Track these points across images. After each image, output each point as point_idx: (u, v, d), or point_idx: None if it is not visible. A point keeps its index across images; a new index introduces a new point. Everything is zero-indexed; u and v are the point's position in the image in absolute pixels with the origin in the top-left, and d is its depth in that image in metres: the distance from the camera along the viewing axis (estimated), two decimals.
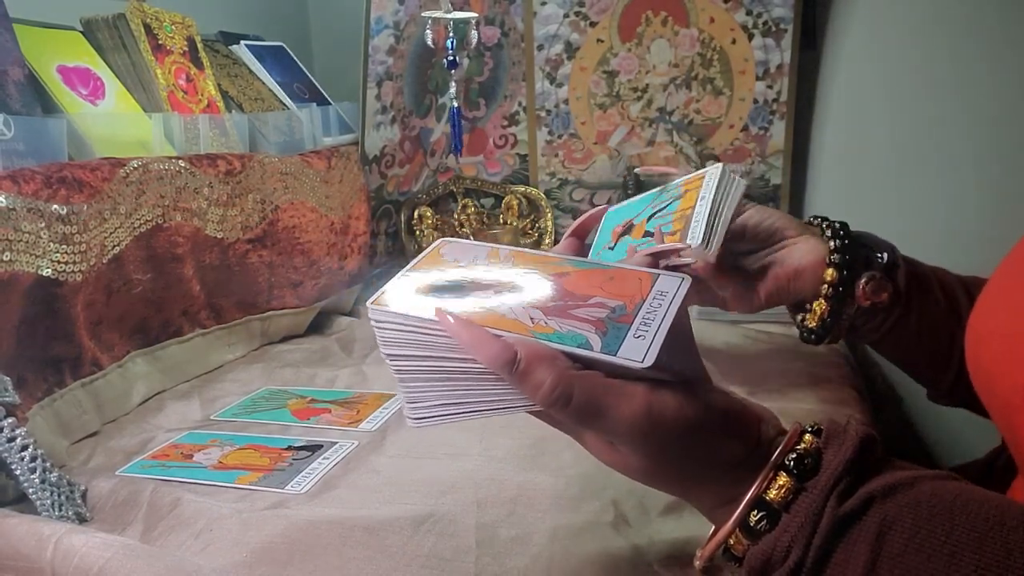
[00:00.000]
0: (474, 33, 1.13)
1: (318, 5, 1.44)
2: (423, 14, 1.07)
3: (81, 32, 0.81)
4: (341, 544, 0.46)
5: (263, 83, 1.06)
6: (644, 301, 0.39)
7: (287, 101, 1.05)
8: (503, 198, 1.32)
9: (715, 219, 0.57)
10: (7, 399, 0.53)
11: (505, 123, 1.33)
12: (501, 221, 1.32)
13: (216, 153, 0.83)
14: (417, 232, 1.20)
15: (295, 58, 1.16)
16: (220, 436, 0.66)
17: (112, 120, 0.76)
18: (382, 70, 1.07)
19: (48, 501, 0.51)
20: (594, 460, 0.55)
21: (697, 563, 0.39)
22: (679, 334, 0.38)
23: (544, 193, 1.32)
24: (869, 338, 0.64)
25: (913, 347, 0.62)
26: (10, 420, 0.52)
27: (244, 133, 0.92)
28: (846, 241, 0.62)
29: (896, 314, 0.60)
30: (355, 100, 1.06)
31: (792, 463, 0.36)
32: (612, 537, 0.46)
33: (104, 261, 0.67)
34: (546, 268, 0.43)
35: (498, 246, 0.45)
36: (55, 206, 0.61)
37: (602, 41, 1.24)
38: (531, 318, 0.39)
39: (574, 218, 1.31)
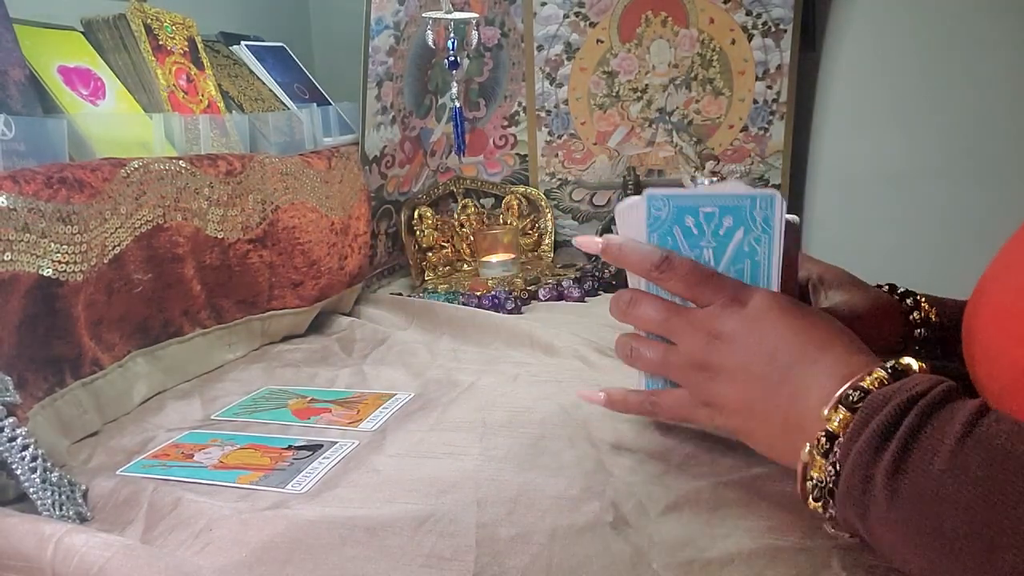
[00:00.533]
0: (474, 33, 1.14)
1: (318, 5, 1.44)
2: (424, 15, 1.07)
3: (82, 32, 0.81)
4: (341, 544, 0.46)
5: (263, 83, 1.06)
6: None
7: (287, 101, 1.06)
8: (503, 198, 1.33)
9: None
10: (8, 399, 0.53)
11: (505, 123, 1.33)
12: (501, 221, 1.32)
13: (217, 153, 0.83)
14: (417, 232, 1.21)
15: (295, 58, 1.16)
16: (221, 436, 0.66)
17: (113, 120, 0.76)
18: (382, 70, 1.07)
19: (49, 501, 0.51)
20: (594, 460, 0.56)
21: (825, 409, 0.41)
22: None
23: (544, 193, 1.32)
24: None
25: None
26: (11, 420, 0.52)
27: (244, 133, 0.92)
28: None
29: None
30: (355, 100, 1.06)
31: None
32: (612, 537, 0.46)
33: (105, 261, 0.67)
34: None
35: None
36: (56, 206, 0.61)
37: (602, 41, 1.24)
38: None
39: (574, 218, 1.32)
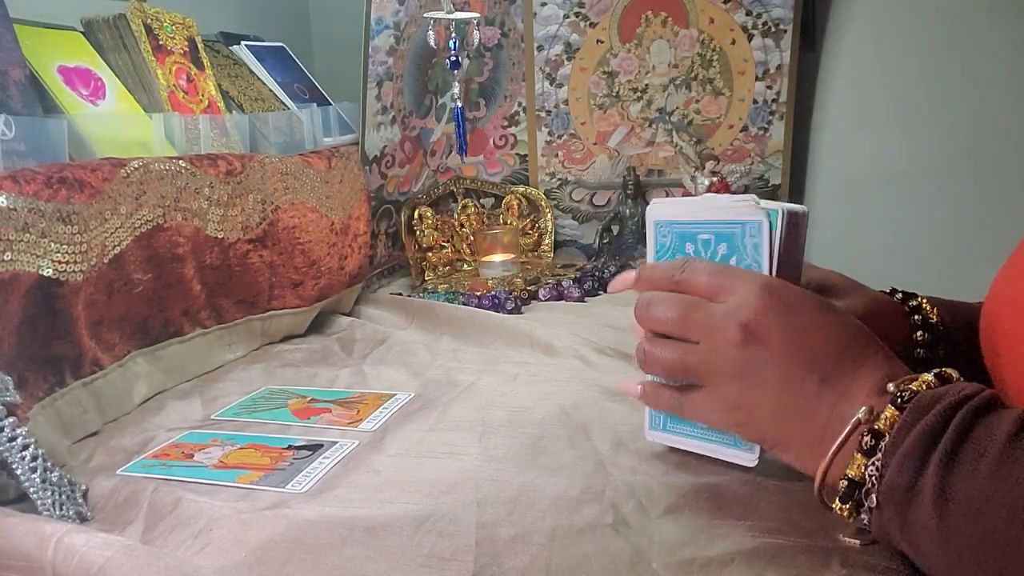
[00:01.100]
0: (475, 33, 1.14)
1: (318, 5, 1.44)
2: (425, 15, 1.07)
3: (82, 32, 0.81)
4: (341, 544, 0.46)
5: (263, 83, 1.06)
6: None
7: (287, 101, 1.06)
8: (503, 198, 1.33)
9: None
10: (8, 399, 0.53)
11: (505, 123, 1.33)
12: (501, 221, 1.32)
13: (217, 153, 0.83)
14: (417, 232, 1.21)
15: (295, 58, 1.16)
16: (221, 435, 0.66)
17: (113, 120, 0.76)
18: (382, 70, 1.07)
19: (49, 500, 0.51)
20: (594, 460, 0.56)
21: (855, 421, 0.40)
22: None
23: (544, 193, 1.32)
24: None
25: None
26: (11, 420, 0.52)
27: (245, 133, 0.92)
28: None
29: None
30: (355, 100, 1.06)
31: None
32: (612, 537, 0.46)
33: (105, 261, 0.67)
34: None
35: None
36: (56, 206, 0.61)
37: (602, 42, 1.25)
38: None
39: (574, 217, 1.32)
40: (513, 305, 1.01)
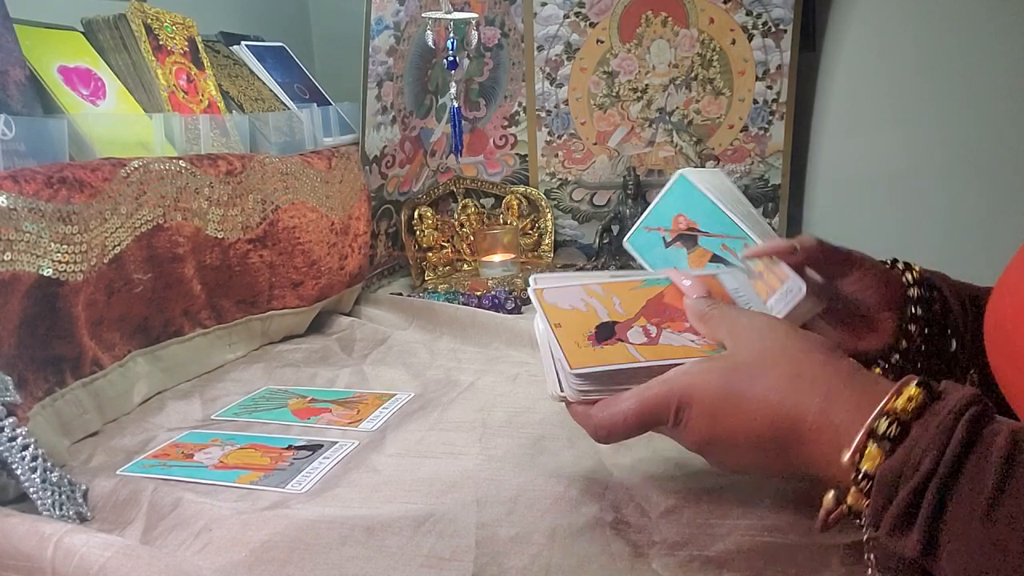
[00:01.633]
0: (474, 33, 1.14)
1: (318, 6, 1.44)
2: (424, 15, 1.07)
3: (82, 32, 0.81)
4: (341, 543, 0.46)
5: (264, 83, 1.06)
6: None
7: (288, 101, 1.06)
8: (503, 198, 1.33)
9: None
10: (8, 399, 0.53)
11: (505, 123, 1.33)
12: (501, 221, 1.32)
13: (217, 153, 0.83)
14: (417, 232, 1.21)
15: (296, 59, 1.16)
16: (221, 435, 0.66)
17: (113, 120, 0.76)
18: (382, 70, 1.07)
19: (49, 500, 0.51)
20: (594, 460, 0.56)
21: (824, 506, 0.38)
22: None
23: (544, 193, 1.32)
24: None
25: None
26: (11, 420, 0.52)
27: (245, 133, 0.92)
28: (924, 331, 0.57)
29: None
30: (355, 100, 1.06)
31: (919, 383, 0.37)
32: (612, 538, 0.46)
33: (105, 261, 0.67)
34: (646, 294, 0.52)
35: (590, 281, 0.53)
36: (56, 206, 0.61)
37: (602, 42, 1.25)
38: (691, 340, 0.48)
39: (574, 217, 1.32)
40: (513, 305, 1.01)
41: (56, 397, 0.64)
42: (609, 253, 1.26)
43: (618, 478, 0.53)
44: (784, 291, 0.53)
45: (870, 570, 0.38)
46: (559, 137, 1.30)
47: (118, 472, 0.59)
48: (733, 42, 1.20)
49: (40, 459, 0.52)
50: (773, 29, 1.18)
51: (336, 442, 0.63)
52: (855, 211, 1.23)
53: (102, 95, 0.77)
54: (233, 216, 0.82)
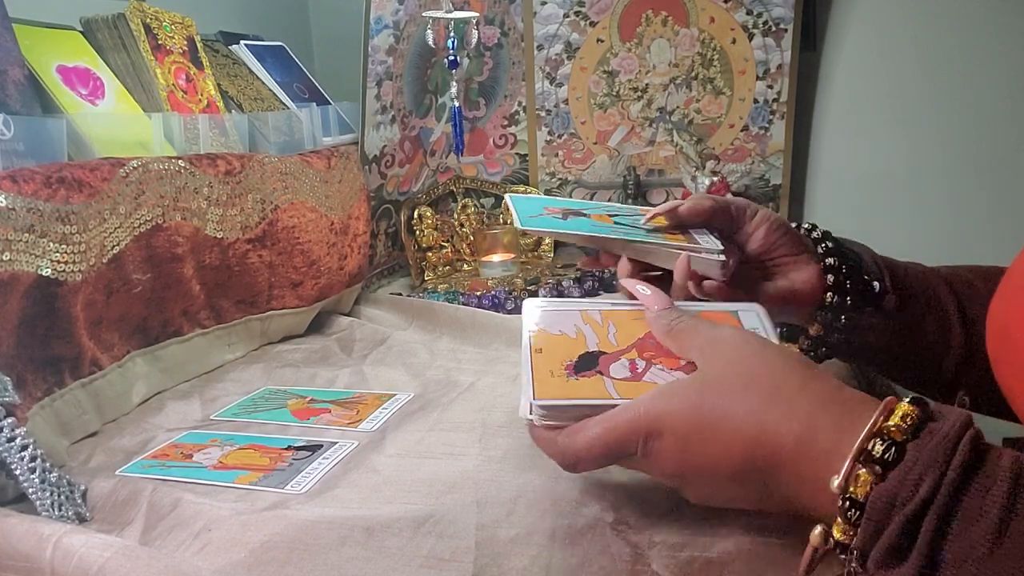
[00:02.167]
0: (474, 33, 1.13)
1: (318, 5, 1.44)
2: (424, 14, 1.07)
3: (81, 32, 0.81)
4: (340, 544, 0.46)
5: (263, 83, 1.06)
6: None
7: (287, 101, 1.05)
8: (503, 198, 1.32)
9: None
10: (7, 399, 0.53)
11: (505, 123, 1.33)
12: (501, 221, 1.32)
13: (216, 153, 0.83)
14: (417, 232, 1.20)
15: (295, 58, 1.16)
16: (220, 436, 0.66)
17: (112, 120, 0.76)
18: (382, 70, 1.07)
19: (48, 501, 0.51)
20: None
21: (814, 538, 0.36)
22: None
23: (544, 193, 1.32)
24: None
25: (902, 358, 0.60)
26: (10, 420, 0.52)
27: (244, 133, 0.92)
28: (843, 269, 0.57)
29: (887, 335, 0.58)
30: (355, 100, 1.06)
31: (911, 400, 0.34)
32: (612, 538, 0.46)
33: (104, 261, 0.67)
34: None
35: (591, 307, 0.52)
36: (55, 206, 0.60)
37: (602, 41, 1.24)
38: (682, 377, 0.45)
39: None
40: (513, 305, 1.01)
41: (55, 397, 0.64)
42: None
43: (618, 479, 0.53)
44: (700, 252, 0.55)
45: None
46: (559, 137, 1.30)
47: (117, 472, 0.59)
48: (733, 41, 1.20)
49: (39, 459, 0.52)
50: (774, 28, 1.18)
51: (336, 442, 0.63)
52: (856, 210, 1.23)
53: (101, 95, 0.77)
54: (232, 216, 0.82)
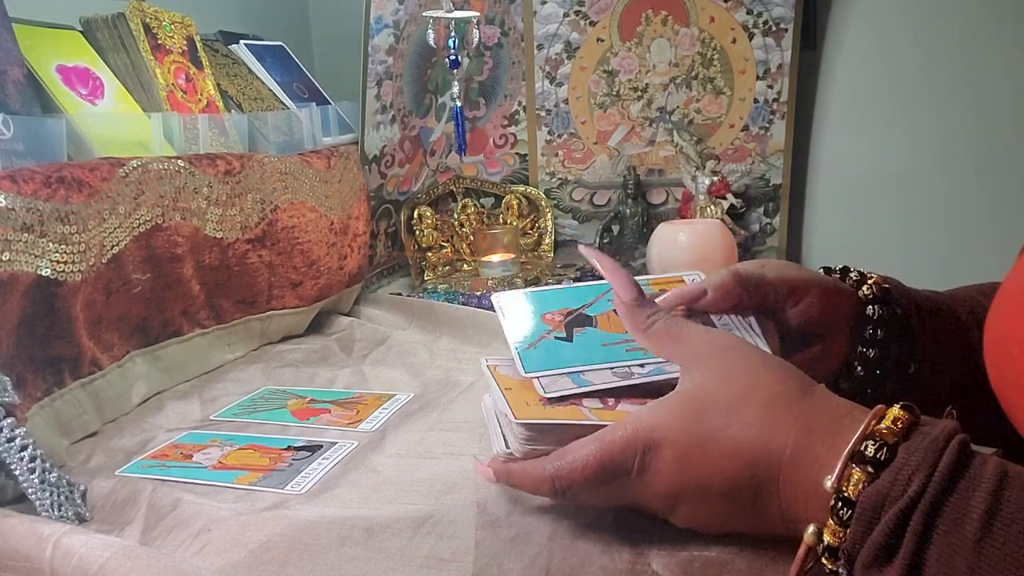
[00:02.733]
0: (475, 32, 1.13)
1: (318, 5, 1.44)
2: (424, 13, 1.07)
3: (80, 32, 0.81)
4: (340, 544, 0.46)
5: (263, 83, 1.06)
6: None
7: (287, 101, 1.05)
8: (503, 198, 1.32)
9: None
10: (6, 399, 0.53)
11: (505, 123, 1.33)
12: (501, 221, 1.32)
13: (215, 153, 0.83)
14: (417, 232, 1.20)
15: (295, 58, 1.16)
16: (220, 436, 0.66)
17: (111, 120, 0.76)
18: (382, 70, 1.07)
19: (47, 501, 0.51)
20: None
21: (809, 532, 0.36)
22: None
23: (544, 193, 1.32)
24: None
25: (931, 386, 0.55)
26: (9, 420, 0.52)
27: (243, 133, 0.92)
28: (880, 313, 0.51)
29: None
30: (355, 100, 1.06)
31: (903, 406, 0.35)
32: (612, 538, 0.46)
33: (103, 261, 0.67)
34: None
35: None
36: (54, 206, 0.60)
37: (602, 41, 1.24)
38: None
39: (574, 217, 1.31)
40: None
41: (55, 397, 0.64)
42: (609, 253, 1.26)
43: None
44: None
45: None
46: (559, 136, 1.30)
47: (117, 473, 0.59)
48: (734, 41, 1.20)
49: (39, 460, 0.52)
50: (774, 28, 1.18)
51: (335, 443, 0.63)
52: (856, 210, 1.23)
53: (100, 94, 0.77)
54: (232, 216, 0.82)
